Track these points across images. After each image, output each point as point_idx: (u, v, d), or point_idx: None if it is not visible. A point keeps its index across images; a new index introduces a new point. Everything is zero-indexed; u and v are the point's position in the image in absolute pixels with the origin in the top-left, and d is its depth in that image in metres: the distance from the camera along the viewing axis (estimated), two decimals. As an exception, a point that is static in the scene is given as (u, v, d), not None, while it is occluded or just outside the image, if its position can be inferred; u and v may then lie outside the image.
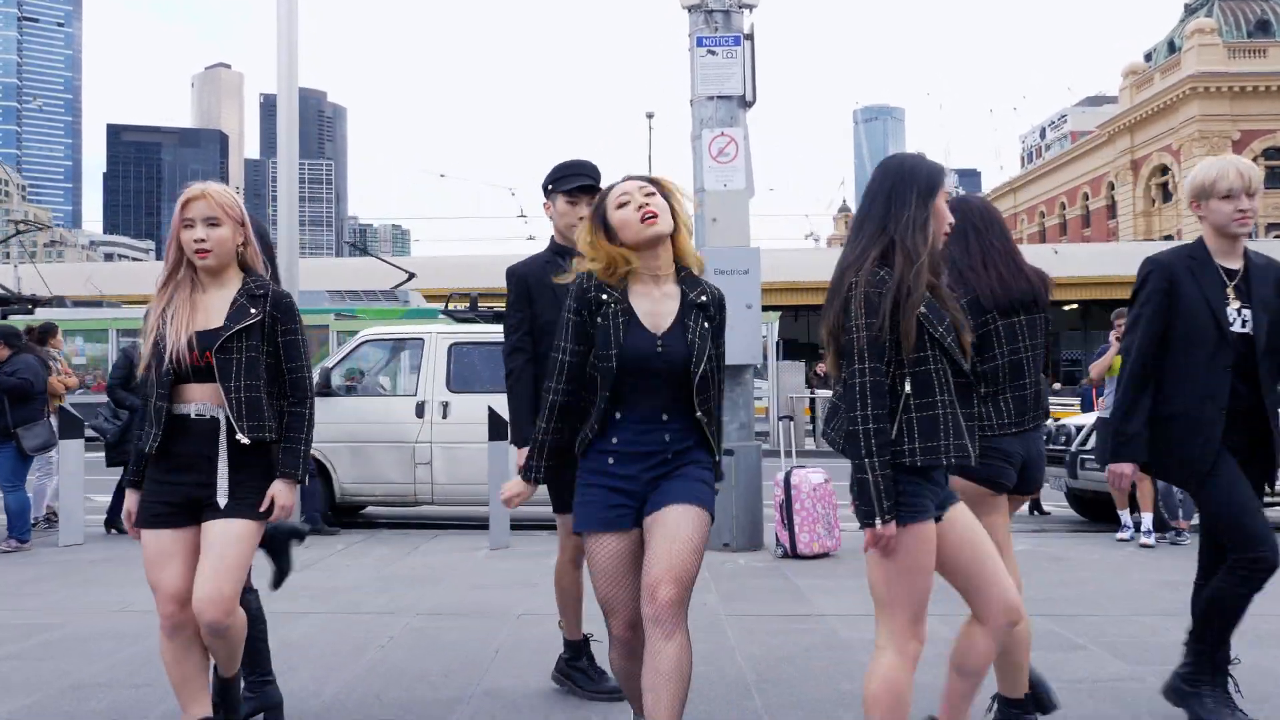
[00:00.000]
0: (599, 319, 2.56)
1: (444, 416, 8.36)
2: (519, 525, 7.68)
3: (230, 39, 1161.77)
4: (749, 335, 6.95)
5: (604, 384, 2.56)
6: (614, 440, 2.60)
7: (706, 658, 4.13)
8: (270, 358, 2.80)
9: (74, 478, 7.41)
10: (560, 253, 3.49)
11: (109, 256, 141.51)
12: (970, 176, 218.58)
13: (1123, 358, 3.33)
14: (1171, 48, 53.26)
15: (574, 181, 3.55)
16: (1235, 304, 3.14)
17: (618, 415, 2.59)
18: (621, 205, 2.59)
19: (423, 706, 3.53)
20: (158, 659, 4.04)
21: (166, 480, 2.71)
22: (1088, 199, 58.18)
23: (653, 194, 2.59)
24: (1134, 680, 3.76)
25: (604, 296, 2.58)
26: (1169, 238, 47.06)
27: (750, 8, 7.16)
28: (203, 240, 2.70)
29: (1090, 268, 33.02)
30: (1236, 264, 3.20)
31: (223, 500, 2.67)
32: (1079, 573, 6.24)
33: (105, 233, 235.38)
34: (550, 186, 3.62)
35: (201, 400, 2.71)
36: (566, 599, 3.64)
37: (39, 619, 4.90)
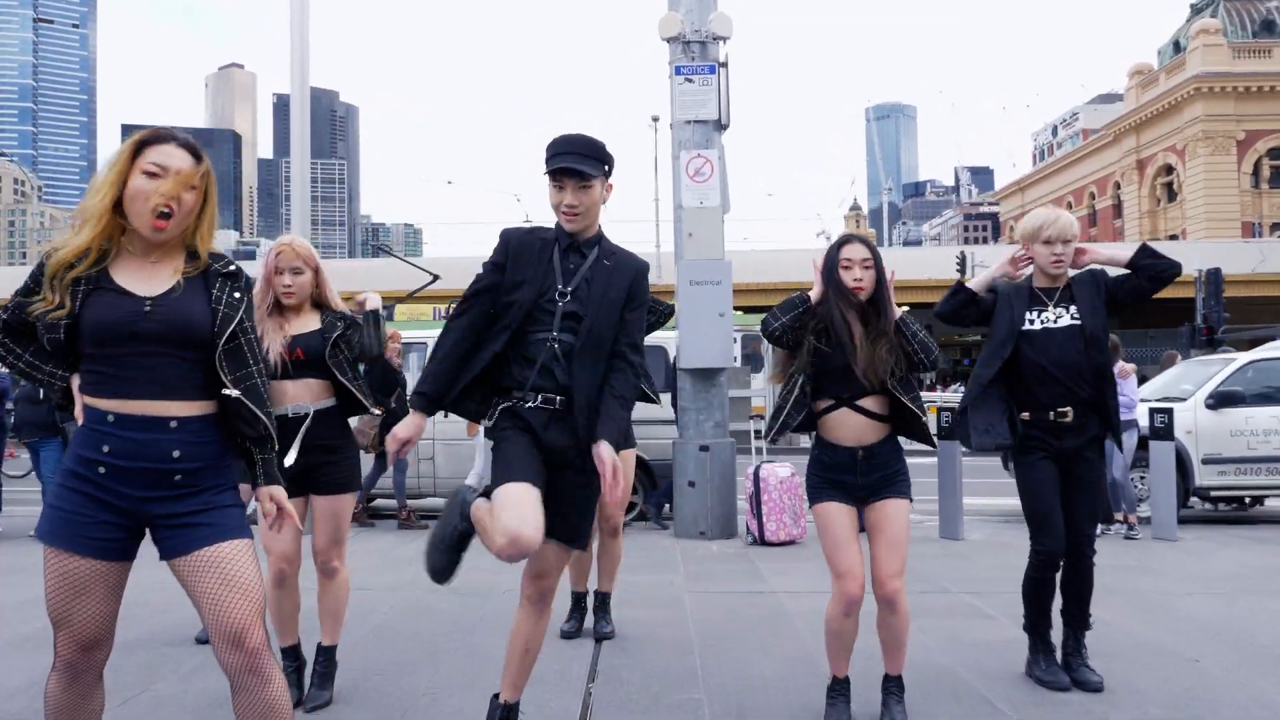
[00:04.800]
0: None
1: (445, 416, 8.99)
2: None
3: (244, 39, 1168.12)
4: (721, 341, 7.57)
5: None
6: (104, 449, 2.12)
7: (663, 623, 4.79)
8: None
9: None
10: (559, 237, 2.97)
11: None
12: (983, 174, 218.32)
13: None
14: (1177, 48, 53.55)
15: (555, 163, 2.87)
16: None
17: (110, 418, 2.13)
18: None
19: (414, 660, 4.17)
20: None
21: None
22: (1094, 198, 58.45)
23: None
24: (1021, 644, 4.36)
25: None
26: (1174, 237, 47.36)
27: (724, 39, 7.78)
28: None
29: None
30: None
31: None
32: (1020, 559, 6.83)
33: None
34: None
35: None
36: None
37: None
